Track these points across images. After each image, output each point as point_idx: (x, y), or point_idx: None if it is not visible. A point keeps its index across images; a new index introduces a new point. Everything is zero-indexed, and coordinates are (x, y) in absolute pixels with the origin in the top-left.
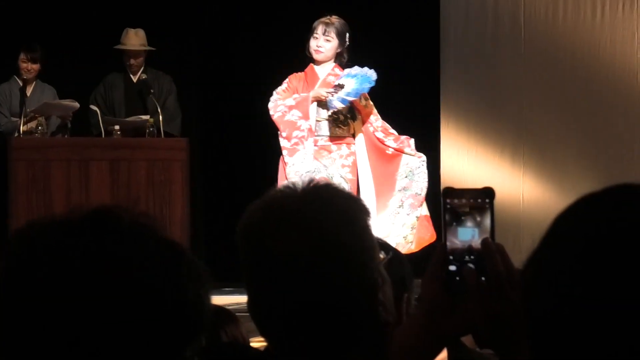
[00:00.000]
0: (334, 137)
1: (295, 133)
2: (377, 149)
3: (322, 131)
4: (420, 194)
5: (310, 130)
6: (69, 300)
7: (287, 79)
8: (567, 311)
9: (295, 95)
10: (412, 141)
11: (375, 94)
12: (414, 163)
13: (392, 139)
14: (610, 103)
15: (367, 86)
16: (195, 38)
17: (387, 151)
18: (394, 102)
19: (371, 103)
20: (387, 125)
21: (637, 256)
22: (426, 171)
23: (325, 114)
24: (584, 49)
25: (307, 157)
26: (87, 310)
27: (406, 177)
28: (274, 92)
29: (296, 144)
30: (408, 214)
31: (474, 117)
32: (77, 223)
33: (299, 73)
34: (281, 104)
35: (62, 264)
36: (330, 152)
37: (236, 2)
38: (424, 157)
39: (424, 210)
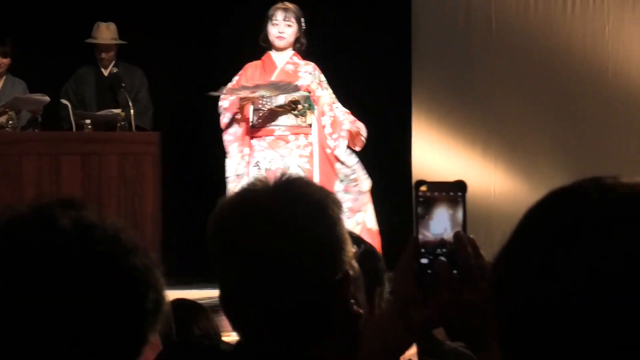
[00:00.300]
0: (291, 127)
1: (225, 137)
2: (321, 145)
3: (279, 121)
4: (357, 200)
5: (235, 135)
6: (57, 295)
7: (241, 70)
8: (535, 305)
9: (232, 98)
10: (343, 143)
11: (348, 87)
12: (345, 170)
13: (333, 139)
14: (581, 96)
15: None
16: (168, 31)
17: (326, 150)
18: (365, 95)
19: (327, 93)
20: (341, 118)
21: (604, 250)
22: (359, 177)
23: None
24: (555, 42)
25: (231, 162)
26: (71, 304)
27: (342, 181)
28: (224, 88)
29: (225, 147)
30: (348, 217)
31: (445, 111)
32: (45, 218)
33: (256, 61)
34: (221, 105)
35: (54, 262)
36: (287, 142)
37: None
38: (354, 166)
39: (370, 223)
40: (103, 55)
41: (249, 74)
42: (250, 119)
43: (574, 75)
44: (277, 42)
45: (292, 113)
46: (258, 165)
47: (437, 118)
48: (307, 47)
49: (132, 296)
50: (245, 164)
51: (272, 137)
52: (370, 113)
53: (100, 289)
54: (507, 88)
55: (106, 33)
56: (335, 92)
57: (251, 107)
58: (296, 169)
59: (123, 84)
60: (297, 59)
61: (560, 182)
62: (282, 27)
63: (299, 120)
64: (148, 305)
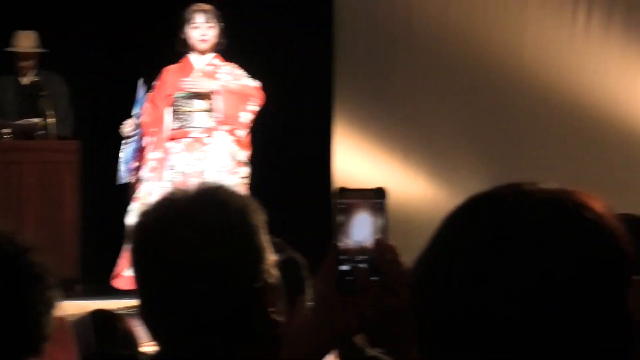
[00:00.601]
0: (208, 129)
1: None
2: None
3: (195, 122)
4: None
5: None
6: None
7: (159, 76)
8: (455, 309)
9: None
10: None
11: (267, 92)
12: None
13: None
14: (501, 101)
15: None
16: (89, 39)
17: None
18: (285, 101)
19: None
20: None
21: (523, 256)
22: None
23: (200, 104)
24: (474, 50)
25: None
26: None
27: None
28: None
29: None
30: None
31: (367, 117)
32: None
33: (174, 65)
34: None
35: None
36: (203, 144)
37: (129, 1)
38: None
39: None
40: (22, 63)
41: (167, 78)
42: (166, 122)
43: (494, 79)
44: (201, 45)
45: (209, 114)
46: (173, 168)
47: (359, 124)
48: (227, 48)
49: (33, 293)
50: (150, 169)
51: (188, 140)
52: (291, 120)
53: (4, 287)
54: (427, 93)
55: (25, 41)
56: None
57: (169, 109)
58: (212, 173)
59: (43, 93)
60: (218, 61)
61: (479, 188)
62: (204, 30)
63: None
64: (45, 301)
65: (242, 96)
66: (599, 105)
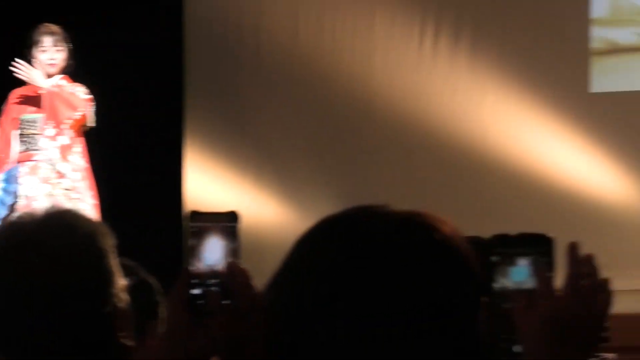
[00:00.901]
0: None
1: None
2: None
3: (39, 145)
4: None
5: None
6: None
7: (7, 100)
8: (307, 331)
9: None
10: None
11: (115, 117)
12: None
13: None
14: (350, 124)
15: None
16: None
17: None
18: (134, 122)
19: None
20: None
21: (375, 277)
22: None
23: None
24: (322, 72)
25: None
26: None
27: None
28: None
29: None
30: None
31: (219, 140)
32: None
33: (21, 88)
34: None
35: None
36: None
37: None
38: None
39: None
40: None
41: (14, 101)
42: (13, 146)
43: (342, 102)
44: (49, 69)
45: None
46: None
47: (210, 146)
48: (76, 67)
49: None
50: None
51: (32, 163)
52: (141, 140)
53: None
54: (277, 116)
55: None
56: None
57: (15, 132)
58: (57, 196)
59: None
60: (65, 82)
61: (329, 210)
62: (53, 53)
63: None
64: None
65: (69, 102)
66: (446, 128)
